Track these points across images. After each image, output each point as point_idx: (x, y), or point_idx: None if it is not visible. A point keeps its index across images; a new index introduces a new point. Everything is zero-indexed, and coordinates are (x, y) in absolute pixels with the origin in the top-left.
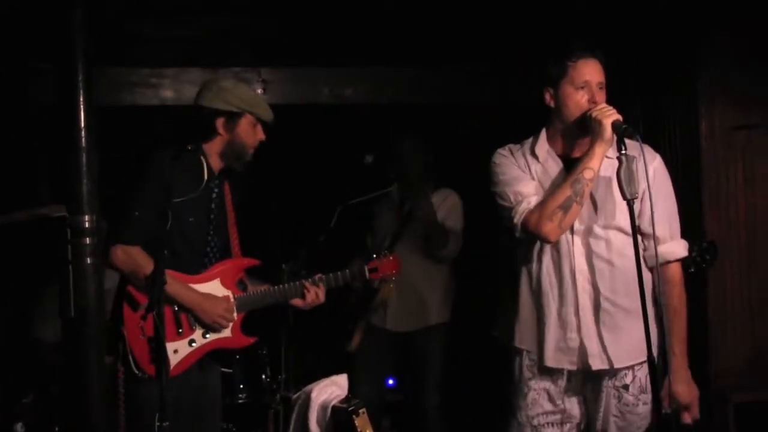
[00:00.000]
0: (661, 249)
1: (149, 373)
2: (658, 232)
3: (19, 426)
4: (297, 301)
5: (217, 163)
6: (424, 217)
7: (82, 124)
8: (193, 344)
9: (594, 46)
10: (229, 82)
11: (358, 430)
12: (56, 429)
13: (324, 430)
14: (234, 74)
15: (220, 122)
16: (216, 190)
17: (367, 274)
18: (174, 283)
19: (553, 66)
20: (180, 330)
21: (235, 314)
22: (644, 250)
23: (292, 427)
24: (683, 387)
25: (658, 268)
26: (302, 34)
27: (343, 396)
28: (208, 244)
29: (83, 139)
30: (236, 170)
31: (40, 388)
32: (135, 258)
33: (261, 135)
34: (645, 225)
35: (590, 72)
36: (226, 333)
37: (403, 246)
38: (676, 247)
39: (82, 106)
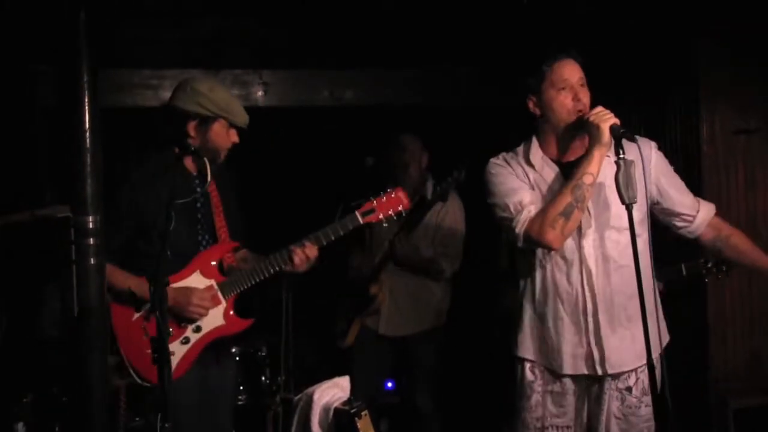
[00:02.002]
0: (699, 218)
1: (152, 381)
2: (688, 203)
3: (19, 426)
4: (288, 268)
5: (191, 166)
6: (406, 262)
7: (87, 126)
8: (188, 342)
9: (567, 47)
10: (205, 85)
11: None
12: (57, 429)
13: None
14: (235, 76)
15: (191, 126)
16: (198, 190)
17: (360, 220)
18: (143, 286)
19: (531, 75)
20: (170, 332)
21: (223, 300)
22: (684, 227)
23: (294, 428)
24: None
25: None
26: (303, 36)
27: (345, 398)
28: (200, 243)
29: (88, 140)
30: (210, 174)
31: (41, 388)
32: None
33: (234, 138)
34: (669, 204)
35: (568, 71)
36: (219, 321)
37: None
38: (705, 209)
39: (86, 108)
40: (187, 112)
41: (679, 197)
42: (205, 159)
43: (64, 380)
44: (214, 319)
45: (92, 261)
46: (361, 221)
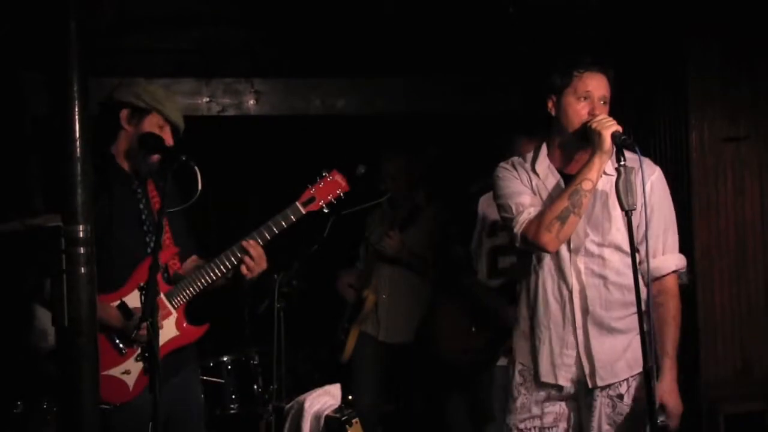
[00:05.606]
0: (654, 263)
1: (112, 402)
2: (651, 247)
3: None
4: (243, 270)
5: (126, 165)
6: (395, 255)
7: (77, 135)
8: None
9: (605, 61)
10: (143, 81)
11: None
12: None
13: None
14: (226, 85)
15: (123, 115)
16: (139, 190)
17: (302, 210)
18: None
19: (559, 74)
20: (123, 351)
21: (173, 311)
22: (639, 263)
23: None
24: (673, 398)
25: (650, 282)
26: (295, 45)
27: (336, 405)
28: (148, 245)
29: (78, 150)
30: (143, 174)
31: (31, 399)
32: None
33: (168, 139)
34: (640, 239)
35: (595, 85)
36: (173, 332)
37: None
38: (667, 262)
39: (77, 117)
40: (121, 102)
41: (653, 230)
42: (140, 152)
43: (55, 391)
44: (167, 331)
45: (83, 270)
46: (303, 211)
